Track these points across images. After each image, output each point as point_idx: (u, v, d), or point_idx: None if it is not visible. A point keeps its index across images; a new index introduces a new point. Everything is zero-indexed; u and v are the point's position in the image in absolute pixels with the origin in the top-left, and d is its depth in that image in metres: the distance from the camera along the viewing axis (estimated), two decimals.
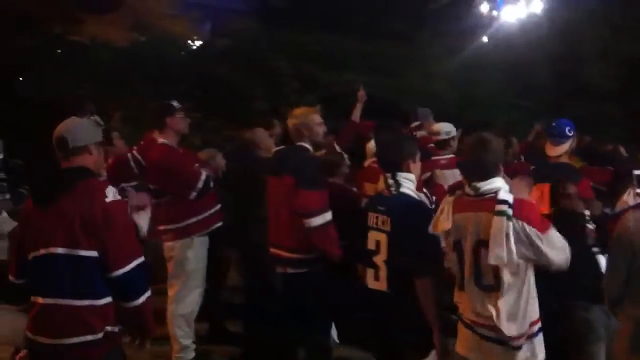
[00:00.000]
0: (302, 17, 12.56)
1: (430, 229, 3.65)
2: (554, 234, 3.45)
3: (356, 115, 7.30)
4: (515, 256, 3.32)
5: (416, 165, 4.06)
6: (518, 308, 3.42)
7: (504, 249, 3.30)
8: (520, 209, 3.36)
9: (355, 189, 5.89)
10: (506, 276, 3.41)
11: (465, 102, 11.73)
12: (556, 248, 3.42)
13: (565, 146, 5.56)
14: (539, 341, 3.51)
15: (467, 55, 12.69)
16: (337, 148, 6.63)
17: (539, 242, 3.36)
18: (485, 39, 13.90)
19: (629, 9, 12.72)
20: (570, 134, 5.62)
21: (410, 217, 3.81)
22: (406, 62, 12.40)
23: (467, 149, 3.63)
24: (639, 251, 3.49)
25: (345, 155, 6.00)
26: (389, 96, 10.45)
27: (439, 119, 7.52)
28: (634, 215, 3.60)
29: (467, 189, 3.52)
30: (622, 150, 7.71)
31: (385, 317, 3.96)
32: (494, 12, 13.38)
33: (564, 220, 4.22)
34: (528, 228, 3.35)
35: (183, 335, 5.55)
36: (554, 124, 5.69)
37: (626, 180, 4.58)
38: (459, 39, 13.16)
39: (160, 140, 5.48)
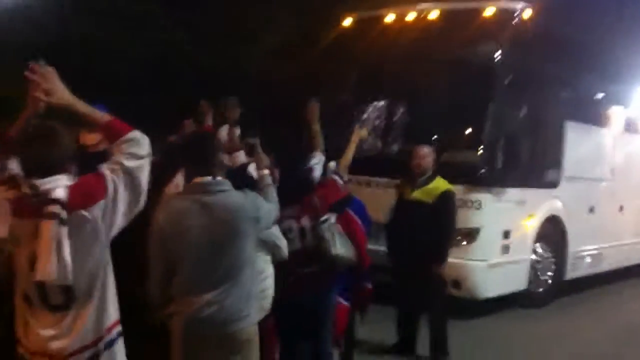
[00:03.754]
0: None
1: None
2: None
3: None
4: (69, 269, 2.77)
5: None
6: (89, 318, 2.91)
7: (55, 262, 2.74)
8: (75, 201, 2.80)
9: None
10: (79, 290, 2.86)
11: None
12: None
13: None
14: (120, 348, 3.02)
15: None
16: None
17: None
18: None
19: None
20: None
21: None
22: None
23: (26, 139, 2.92)
24: None
25: None
26: None
27: None
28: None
29: (25, 188, 2.85)
30: None
31: None
32: None
33: None
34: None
35: None
36: None
37: None
38: None
39: None
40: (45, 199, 2.78)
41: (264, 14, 12.88)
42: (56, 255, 2.74)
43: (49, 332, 2.89)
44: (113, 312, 2.99)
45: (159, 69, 12.36)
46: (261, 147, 4.66)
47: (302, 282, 4.90)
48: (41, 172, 2.83)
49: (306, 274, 4.92)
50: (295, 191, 4.97)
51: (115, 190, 2.88)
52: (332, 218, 5.08)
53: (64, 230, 2.76)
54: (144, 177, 2.98)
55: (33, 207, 2.80)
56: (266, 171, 4.29)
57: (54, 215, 2.75)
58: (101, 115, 2.97)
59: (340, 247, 4.99)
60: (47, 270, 2.74)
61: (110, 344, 2.98)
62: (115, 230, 2.93)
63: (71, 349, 2.88)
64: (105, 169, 2.91)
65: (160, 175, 4.76)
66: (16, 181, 2.93)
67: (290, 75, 10.77)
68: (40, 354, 2.91)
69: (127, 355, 3.08)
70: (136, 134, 2.98)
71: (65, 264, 2.76)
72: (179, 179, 5.03)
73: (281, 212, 4.74)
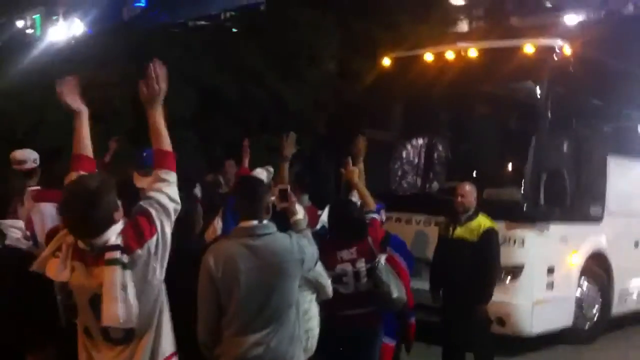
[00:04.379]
0: None
1: (37, 267, 2.99)
2: None
3: None
4: (135, 312, 2.89)
5: (25, 209, 3.33)
6: (144, 352, 3.01)
7: (121, 307, 2.85)
8: (130, 243, 2.89)
9: None
10: (139, 325, 2.97)
11: (36, 125, 10.46)
12: None
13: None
14: None
15: (34, 72, 11.45)
16: None
17: None
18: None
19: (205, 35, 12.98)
20: None
21: (20, 277, 3.06)
22: None
23: (67, 201, 2.94)
24: None
25: None
26: None
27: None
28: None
29: (81, 243, 2.95)
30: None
31: None
32: (32, 31, 12.40)
33: None
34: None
35: None
36: (144, 154, 5.34)
37: None
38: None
39: None
40: (104, 246, 2.87)
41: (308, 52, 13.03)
42: (122, 300, 2.83)
43: None
44: (167, 346, 3.09)
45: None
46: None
47: (350, 323, 4.91)
48: (90, 235, 2.90)
49: (355, 315, 4.93)
50: (350, 234, 5.02)
51: (162, 226, 3.00)
52: (383, 259, 5.07)
53: (128, 274, 2.86)
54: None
55: (93, 257, 2.90)
56: (299, 216, 4.26)
57: (116, 262, 2.84)
58: (167, 143, 3.12)
59: (397, 289, 4.97)
60: (114, 315, 2.83)
61: None
62: (165, 264, 3.03)
63: None
64: (150, 207, 3.01)
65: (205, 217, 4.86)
66: None
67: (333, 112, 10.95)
68: None
69: None
70: (174, 175, 3.13)
71: (131, 308, 2.86)
72: (217, 222, 5.16)
73: (336, 254, 4.86)
